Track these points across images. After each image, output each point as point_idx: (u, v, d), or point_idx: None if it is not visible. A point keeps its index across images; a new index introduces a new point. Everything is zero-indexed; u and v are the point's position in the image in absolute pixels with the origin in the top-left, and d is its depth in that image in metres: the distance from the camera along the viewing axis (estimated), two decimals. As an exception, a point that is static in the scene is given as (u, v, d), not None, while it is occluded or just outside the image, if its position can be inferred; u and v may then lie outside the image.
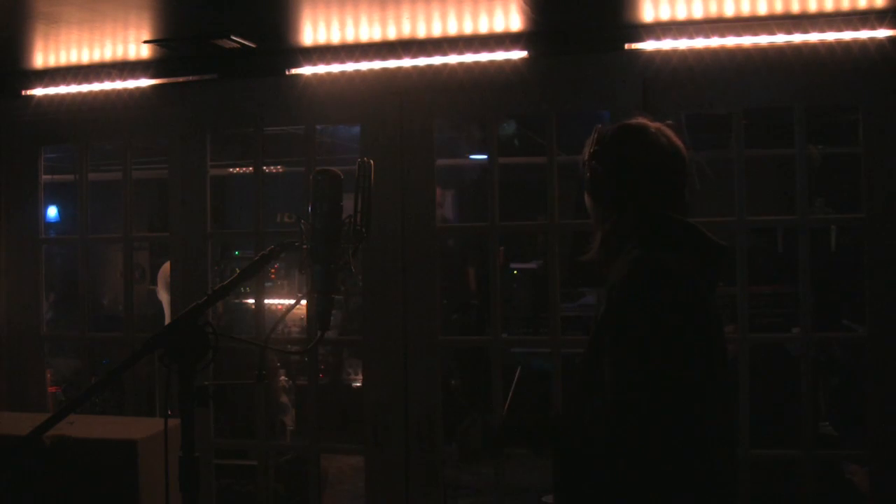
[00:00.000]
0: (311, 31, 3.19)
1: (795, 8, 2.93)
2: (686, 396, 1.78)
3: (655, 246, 1.92)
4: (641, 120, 2.08)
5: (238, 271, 1.94)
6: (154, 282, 6.36)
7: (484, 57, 3.23)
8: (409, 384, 3.34)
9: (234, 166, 7.89)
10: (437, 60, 3.27)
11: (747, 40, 3.02)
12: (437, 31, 3.18)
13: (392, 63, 3.32)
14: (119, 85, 3.62)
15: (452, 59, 3.25)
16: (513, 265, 7.75)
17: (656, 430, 1.74)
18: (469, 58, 3.23)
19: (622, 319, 1.81)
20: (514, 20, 3.05)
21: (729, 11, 2.96)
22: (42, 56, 3.49)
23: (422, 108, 3.33)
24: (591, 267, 2.07)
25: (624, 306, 1.82)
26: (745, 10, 2.95)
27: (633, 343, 1.77)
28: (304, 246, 1.91)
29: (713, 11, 2.97)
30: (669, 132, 2.05)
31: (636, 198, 2.00)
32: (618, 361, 1.78)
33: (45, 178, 3.92)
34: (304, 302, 3.25)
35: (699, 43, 3.05)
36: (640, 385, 1.74)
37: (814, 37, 2.97)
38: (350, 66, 3.36)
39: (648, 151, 2.01)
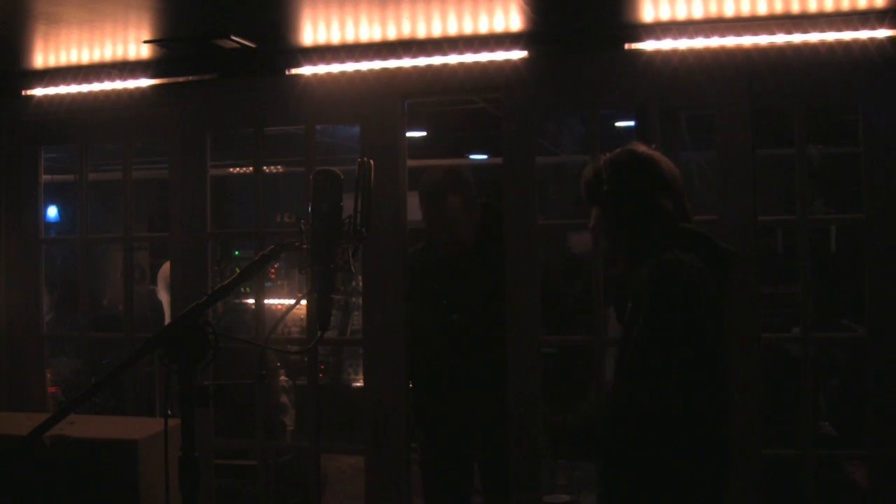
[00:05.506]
0: (311, 31, 3.19)
1: (795, 8, 2.92)
2: (689, 363, 2.13)
3: (674, 251, 2.22)
4: (642, 147, 2.39)
5: (238, 271, 1.94)
6: (154, 282, 6.36)
7: (484, 57, 3.23)
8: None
9: (234, 166, 7.88)
10: (437, 60, 3.27)
11: (747, 40, 3.02)
12: (437, 31, 3.18)
13: (392, 63, 3.32)
14: (119, 85, 3.62)
15: (452, 59, 3.25)
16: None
17: (669, 380, 2.12)
18: (469, 58, 3.24)
19: (650, 308, 2.14)
20: (514, 20, 3.05)
21: (729, 11, 2.96)
22: (42, 56, 3.49)
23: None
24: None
25: (650, 298, 2.15)
26: (745, 10, 2.95)
27: (657, 325, 2.12)
28: (304, 246, 1.91)
29: (713, 11, 2.97)
30: (662, 155, 2.37)
31: (656, 216, 2.30)
32: (647, 337, 2.13)
33: (45, 178, 3.92)
34: (304, 302, 3.25)
35: (699, 43, 3.05)
36: (658, 352, 2.12)
37: (814, 37, 2.97)
38: (350, 66, 3.36)
39: (658, 175, 2.33)
